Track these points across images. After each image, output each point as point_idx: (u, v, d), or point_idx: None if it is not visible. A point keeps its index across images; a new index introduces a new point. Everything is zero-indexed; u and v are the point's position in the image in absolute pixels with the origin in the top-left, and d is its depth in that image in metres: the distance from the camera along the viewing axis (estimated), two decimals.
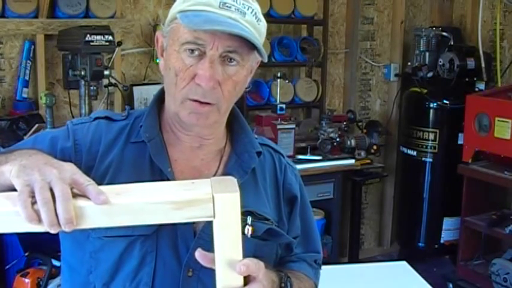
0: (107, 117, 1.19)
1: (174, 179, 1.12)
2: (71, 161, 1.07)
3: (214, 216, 0.90)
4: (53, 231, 0.85)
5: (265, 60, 1.12)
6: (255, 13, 1.09)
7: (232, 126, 1.23)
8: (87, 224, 0.88)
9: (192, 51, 1.06)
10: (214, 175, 1.17)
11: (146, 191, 0.92)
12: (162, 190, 0.93)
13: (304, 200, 1.30)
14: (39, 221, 0.84)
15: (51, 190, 0.85)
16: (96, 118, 1.19)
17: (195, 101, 1.07)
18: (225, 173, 1.16)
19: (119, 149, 1.15)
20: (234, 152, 1.20)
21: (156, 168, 1.14)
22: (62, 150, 1.13)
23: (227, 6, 1.05)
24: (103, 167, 1.13)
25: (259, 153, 1.22)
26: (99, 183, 1.00)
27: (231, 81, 1.08)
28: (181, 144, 1.17)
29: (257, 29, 1.08)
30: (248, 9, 1.07)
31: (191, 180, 0.96)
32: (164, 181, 1.10)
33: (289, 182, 1.26)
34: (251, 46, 1.06)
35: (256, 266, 0.95)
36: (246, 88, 1.20)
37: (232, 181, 0.95)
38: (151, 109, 1.19)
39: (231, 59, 1.07)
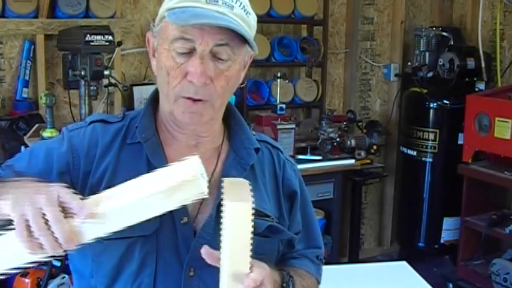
0: (102, 120, 1.19)
1: None
2: (68, 167, 1.09)
3: (205, 193, 0.89)
4: (58, 254, 0.88)
5: (256, 52, 1.12)
6: (244, 6, 1.08)
7: (229, 123, 1.23)
8: (88, 237, 0.90)
9: (183, 48, 1.05)
10: (212, 173, 1.16)
11: (135, 188, 0.92)
12: (150, 182, 0.92)
13: (305, 196, 1.29)
14: (42, 248, 0.86)
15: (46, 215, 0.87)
16: (91, 122, 1.18)
17: (188, 98, 1.07)
18: (223, 171, 1.16)
19: (115, 151, 1.14)
20: (231, 149, 1.20)
21: (153, 169, 1.12)
22: (58, 159, 1.13)
23: (214, 1, 1.05)
24: (100, 171, 1.12)
25: (257, 150, 1.21)
26: (97, 188, 1.03)
27: (223, 77, 1.08)
28: (178, 143, 1.17)
29: (246, 21, 1.08)
30: (236, 2, 1.07)
31: (179, 162, 0.94)
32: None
33: (289, 177, 1.26)
34: (241, 39, 1.06)
35: (262, 274, 0.96)
36: (241, 84, 1.21)
37: (244, 186, 0.93)
38: (146, 109, 1.19)
39: (222, 55, 1.06)
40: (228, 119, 1.22)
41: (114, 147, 1.15)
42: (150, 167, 1.13)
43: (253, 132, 1.25)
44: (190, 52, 1.05)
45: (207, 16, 1.03)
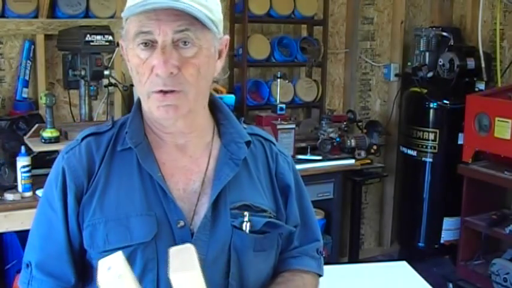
0: (93, 134, 1.18)
1: (164, 184, 1.11)
2: (83, 184, 1.12)
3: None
4: None
5: (221, 35, 1.11)
6: None
7: (217, 118, 1.21)
8: None
9: (145, 44, 1.05)
10: (205, 172, 1.15)
11: None
12: None
13: (300, 188, 1.27)
14: None
15: None
16: (83, 138, 1.18)
17: (159, 92, 1.06)
18: (215, 169, 1.15)
19: (106, 160, 1.14)
20: (222, 144, 1.18)
21: (145, 174, 1.12)
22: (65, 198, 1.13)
23: None
24: (94, 182, 1.12)
25: (248, 143, 1.19)
26: (90, 200, 1.07)
27: (191, 65, 1.06)
28: (166, 145, 1.16)
29: (204, 5, 1.06)
30: None
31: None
32: (153, 189, 1.10)
33: (282, 171, 1.24)
34: (202, 24, 1.05)
35: None
36: (225, 75, 1.20)
37: (190, 251, 0.92)
38: (134, 114, 1.18)
39: (184, 42, 1.05)
40: (215, 113, 1.21)
41: (106, 157, 1.14)
42: (142, 173, 1.12)
43: (245, 126, 1.23)
44: (153, 46, 1.05)
45: (155, 2, 1.02)
